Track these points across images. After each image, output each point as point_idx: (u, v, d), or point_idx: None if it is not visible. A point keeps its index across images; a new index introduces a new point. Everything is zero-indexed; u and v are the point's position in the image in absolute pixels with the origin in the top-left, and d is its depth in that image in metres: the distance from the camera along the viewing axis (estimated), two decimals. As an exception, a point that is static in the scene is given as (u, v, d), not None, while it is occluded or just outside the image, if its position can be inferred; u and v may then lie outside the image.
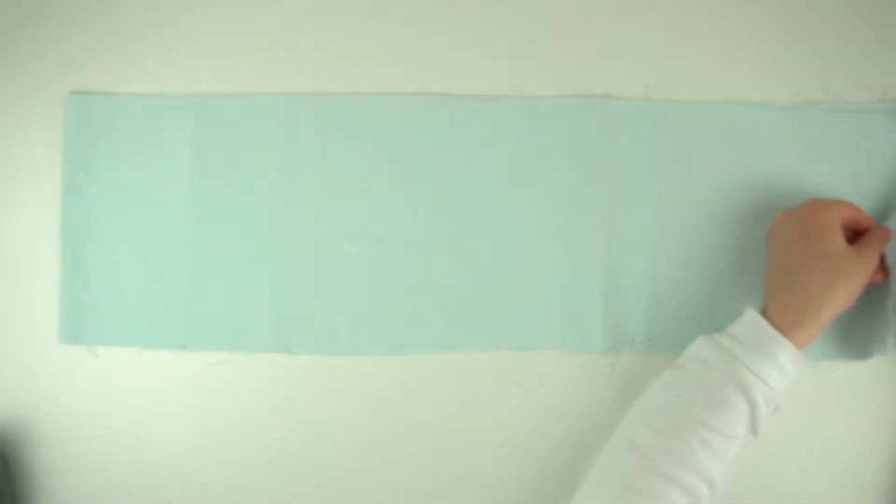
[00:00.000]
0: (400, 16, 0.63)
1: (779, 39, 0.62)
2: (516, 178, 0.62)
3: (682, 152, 0.62)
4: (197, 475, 0.63)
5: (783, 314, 0.55)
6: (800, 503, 0.61)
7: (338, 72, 0.63)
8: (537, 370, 0.62)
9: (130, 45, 0.63)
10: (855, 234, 0.58)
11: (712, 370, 0.54)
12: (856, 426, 0.61)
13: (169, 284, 0.62)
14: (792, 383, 0.54)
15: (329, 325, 0.62)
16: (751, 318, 0.55)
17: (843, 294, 0.55)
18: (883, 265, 0.57)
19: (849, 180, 0.61)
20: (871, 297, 0.58)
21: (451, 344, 0.62)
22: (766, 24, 0.62)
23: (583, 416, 0.62)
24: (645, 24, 0.63)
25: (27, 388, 0.63)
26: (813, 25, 0.62)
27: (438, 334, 0.62)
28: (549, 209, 0.62)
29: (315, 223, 0.62)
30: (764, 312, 0.56)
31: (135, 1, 0.63)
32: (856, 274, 0.55)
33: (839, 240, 0.55)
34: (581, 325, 0.62)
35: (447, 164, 0.62)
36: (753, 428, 0.53)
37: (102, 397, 0.62)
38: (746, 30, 0.62)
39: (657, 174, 0.62)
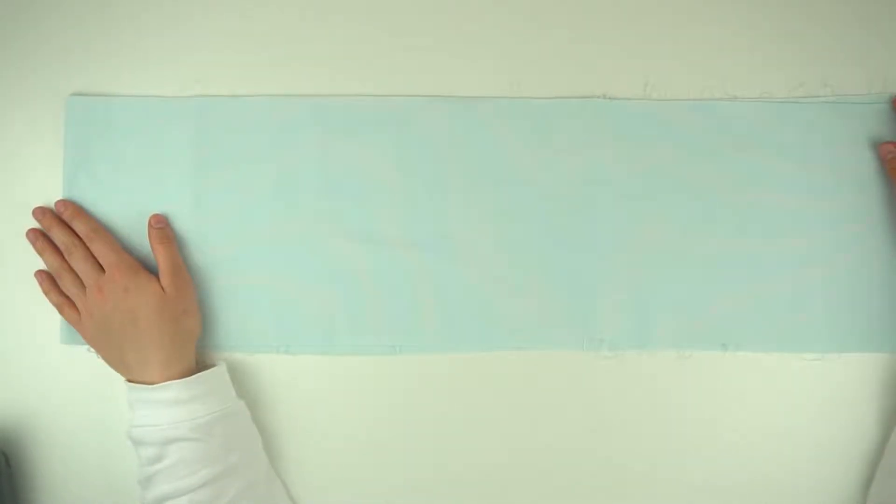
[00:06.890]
0: (399, 16, 0.63)
1: (775, 32, 0.62)
2: (516, 178, 0.62)
3: (681, 150, 0.62)
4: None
5: None
6: (797, 500, 0.62)
7: (337, 72, 0.63)
8: (537, 370, 0.62)
9: (131, 46, 0.63)
10: None
11: None
12: (854, 423, 0.62)
13: (169, 284, 0.62)
14: None
15: (329, 325, 0.62)
16: None
17: None
18: None
19: (852, 171, 0.61)
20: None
21: (451, 344, 0.62)
22: (761, 16, 0.63)
23: (583, 416, 0.62)
24: (640, 21, 0.63)
25: (27, 388, 0.63)
26: (809, 16, 0.62)
27: (438, 334, 0.62)
28: (549, 209, 0.62)
29: (315, 223, 0.62)
30: None
31: (135, 3, 0.63)
32: None
33: None
34: (581, 325, 0.62)
35: (447, 164, 0.62)
36: None
37: (102, 397, 0.62)
38: (742, 23, 0.63)
39: (657, 173, 0.62)
